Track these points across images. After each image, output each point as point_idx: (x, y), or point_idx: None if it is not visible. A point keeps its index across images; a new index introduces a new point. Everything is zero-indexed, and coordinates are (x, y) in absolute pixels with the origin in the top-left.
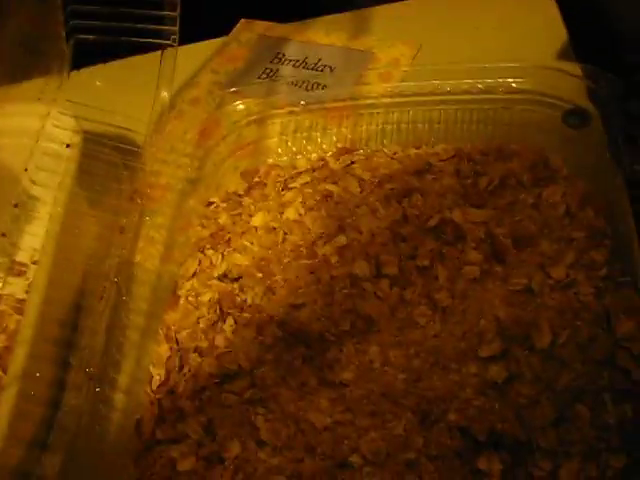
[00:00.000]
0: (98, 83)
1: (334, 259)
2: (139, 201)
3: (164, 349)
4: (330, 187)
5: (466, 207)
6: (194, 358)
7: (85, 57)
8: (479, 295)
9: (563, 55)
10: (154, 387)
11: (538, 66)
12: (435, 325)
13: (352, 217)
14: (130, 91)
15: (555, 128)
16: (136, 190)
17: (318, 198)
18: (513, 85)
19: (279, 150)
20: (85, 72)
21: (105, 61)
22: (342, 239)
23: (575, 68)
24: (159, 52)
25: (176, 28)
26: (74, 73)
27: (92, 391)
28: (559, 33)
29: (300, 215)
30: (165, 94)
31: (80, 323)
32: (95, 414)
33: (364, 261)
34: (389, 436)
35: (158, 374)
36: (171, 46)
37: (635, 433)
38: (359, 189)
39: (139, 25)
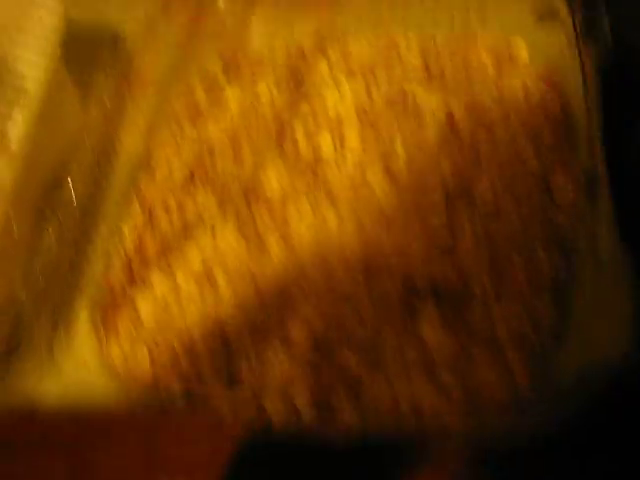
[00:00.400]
0: None
1: (299, 130)
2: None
3: (135, 207)
4: (298, 63)
5: (425, 85)
6: (163, 215)
7: None
8: (429, 161)
9: None
10: (124, 242)
11: None
12: (391, 192)
13: (319, 91)
14: None
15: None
16: (124, 76)
17: (288, 73)
18: None
19: (259, 35)
20: None
21: None
22: (306, 111)
23: None
24: None
25: None
26: None
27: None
28: None
29: (270, 90)
30: None
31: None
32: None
33: (328, 135)
34: (331, 272)
35: (128, 230)
36: None
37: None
38: (328, 67)
39: None
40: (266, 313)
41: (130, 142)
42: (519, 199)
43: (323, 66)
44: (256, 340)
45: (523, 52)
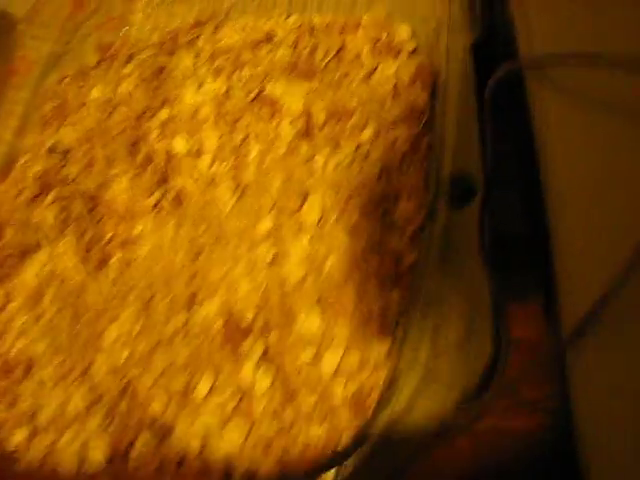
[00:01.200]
0: None
1: (155, 133)
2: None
3: None
4: (164, 60)
5: (291, 79)
6: (9, 231)
7: None
8: (277, 171)
9: None
10: None
11: None
12: (232, 201)
13: (178, 89)
14: None
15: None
16: (6, 61)
17: (152, 71)
18: None
19: (141, 24)
20: None
21: None
22: (165, 113)
23: None
24: None
25: None
26: None
27: None
28: None
29: (133, 87)
30: None
31: None
32: None
33: (183, 137)
34: (150, 311)
35: None
36: None
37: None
38: (193, 62)
39: None
40: (75, 338)
41: None
42: (352, 227)
43: (188, 62)
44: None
45: (406, 42)
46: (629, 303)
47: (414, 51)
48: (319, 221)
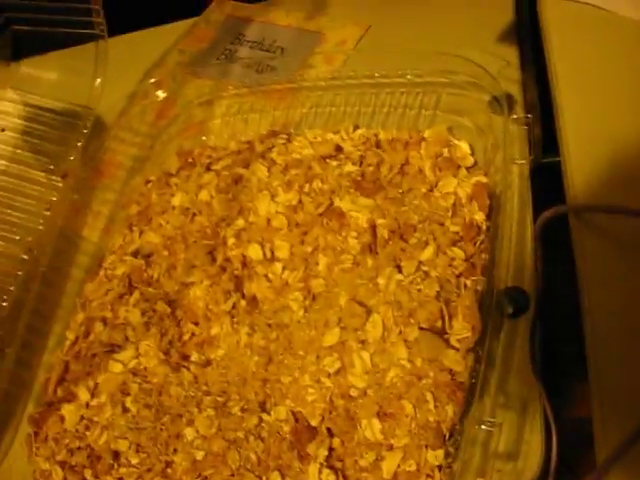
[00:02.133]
0: (38, 71)
1: (231, 241)
2: (92, 177)
3: (79, 317)
4: (241, 171)
5: (357, 195)
6: (98, 326)
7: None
8: (344, 285)
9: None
10: (64, 350)
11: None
12: (301, 311)
13: (254, 201)
14: (69, 78)
15: (479, 115)
16: (93, 162)
17: (229, 182)
18: (445, 74)
19: (219, 132)
20: (25, 62)
21: (44, 51)
22: (241, 222)
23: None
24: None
25: (101, 19)
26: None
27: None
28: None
29: (211, 197)
30: (98, 81)
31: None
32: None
33: (258, 244)
34: (225, 414)
35: (70, 339)
36: (101, 36)
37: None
38: (267, 174)
39: (68, 17)
40: (156, 437)
41: (86, 244)
42: (411, 343)
43: (262, 173)
44: (141, 464)
45: (465, 158)
46: None
47: (473, 166)
48: (381, 337)
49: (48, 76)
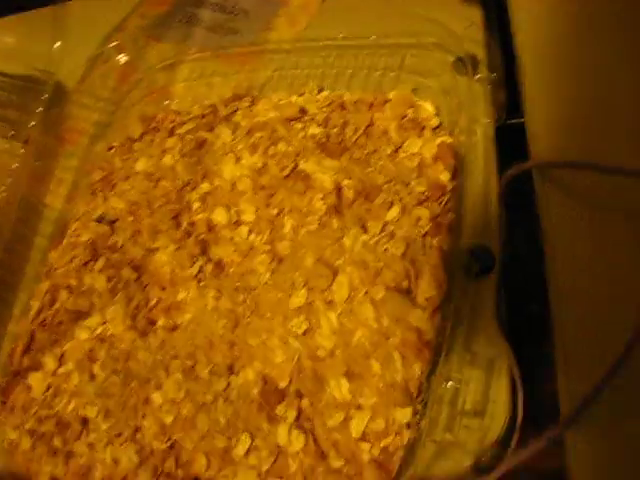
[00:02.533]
0: None
1: (196, 205)
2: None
3: (44, 285)
4: (205, 134)
5: (322, 157)
6: (63, 294)
7: None
8: (309, 247)
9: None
10: (30, 319)
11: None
12: (268, 274)
13: (218, 164)
14: (27, 43)
15: (444, 75)
16: (52, 132)
17: (193, 145)
18: (409, 35)
19: (182, 96)
20: None
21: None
22: (205, 186)
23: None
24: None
25: None
26: None
27: None
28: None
29: (175, 161)
30: (57, 44)
31: None
32: None
33: (223, 208)
34: (193, 377)
35: (35, 308)
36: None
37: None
38: (231, 137)
39: None
40: (125, 403)
41: (49, 212)
42: (378, 303)
43: (226, 137)
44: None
45: (430, 119)
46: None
47: (438, 127)
48: (347, 298)
49: (5, 40)
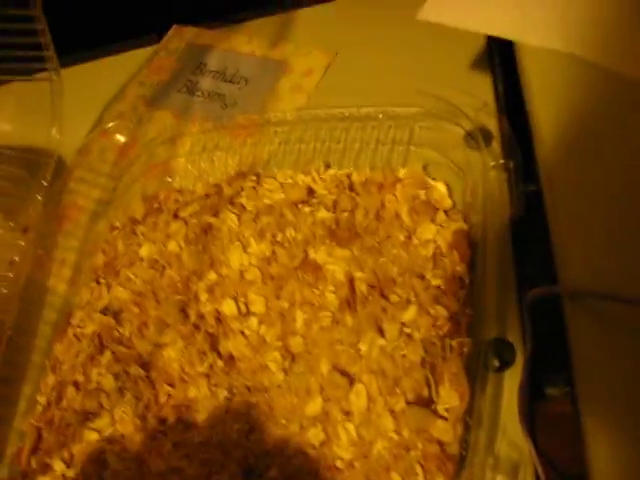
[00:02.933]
0: None
1: (204, 297)
2: (54, 224)
3: (50, 379)
4: (210, 219)
5: (333, 246)
6: (70, 391)
7: None
8: (325, 347)
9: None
10: (36, 417)
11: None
12: (281, 374)
13: (225, 253)
14: (24, 127)
15: (455, 150)
16: (52, 212)
17: (198, 231)
18: (418, 108)
19: (184, 171)
20: None
21: None
22: (213, 276)
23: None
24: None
25: (54, 65)
26: None
27: None
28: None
29: (180, 248)
30: (55, 130)
31: None
32: None
33: (231, 299)
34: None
35: (41, 404)
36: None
37: None
38: (237, 222)
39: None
40: None
41: (52, 297)
42: (397, 414)
43: (232, 222)
44: None
45: (443, 200)
46: None
47: (451, 208)
48: (366, 408)
49: (2, 127)
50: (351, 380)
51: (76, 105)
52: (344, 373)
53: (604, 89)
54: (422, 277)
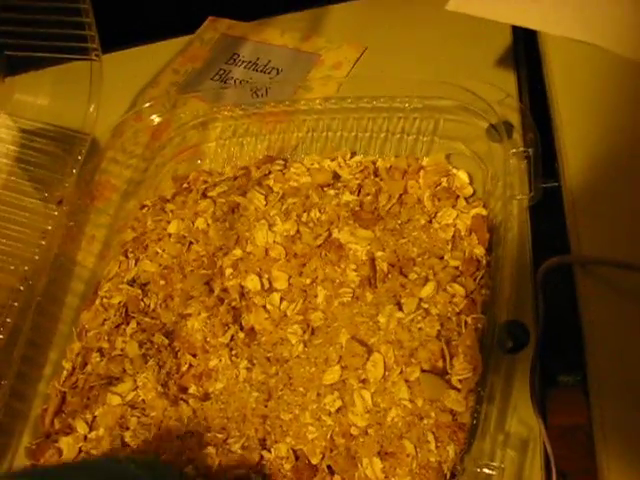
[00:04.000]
0: (31, 96)
1: (229, 271)
2: (87, 200)
3: (76, 346)
4: (238, 199)
5: (356, 227)
6: (95, 357)
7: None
8: (344, 320)
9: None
10: (61, 381)
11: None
12: (300, 346)
13: (251, 230)
14: (63, 103)
15: (478, 142)
16: (85, 189)
17: (225, 210)
18: (443, 100)
19: (214, 155)
20: (18, 86)
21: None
22: (238, 252)
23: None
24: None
25: (96, 45)
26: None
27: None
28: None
29: (207, 225)
30: (93, 107)
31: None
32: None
33: (255, 275)
34: (225, 452)
35: (66, 369)
36: (96, 62)
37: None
38: (264, 202)
39: (63, 43)
40: None
41: (81, 270)
42: (412, 383)
43: (259, 202)
44: None
45: (464, 188)
46: None
47: (471, 196)
48: (382, 377)
49: (42, 101)
50: (369, 350)
51: (112, 89)
52: (362, 343)
53: (627, 81)
54: (441, 258)
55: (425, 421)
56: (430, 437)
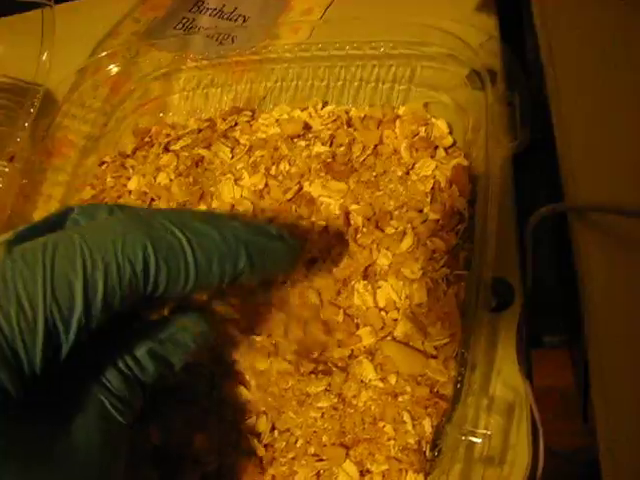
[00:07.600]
0: None
1: None
2: (42, 157)
3: None
4: (202, 152)
5: (328, 179)
6: None
7: None
8: (309, 282)
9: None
10: None
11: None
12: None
13: (216, 185)
14: (13, 52)
15: (458, 89)
16: (40, 145)
17: (189, 163)
18: (421, 45)
19: (177, 107)
20: None
21: None
22: (203, 208)
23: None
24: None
25: None
26: None
27: None
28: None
29: (170, 180)
30: (45, 55)
31: None
32: None
33: None
34: None
35: None
36: (47, 5)
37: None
38: (230, 155)
39: None
40: None
41: None
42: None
43: (225, 155)
44: None
45: (444, 138)
46: None
47: (451, 146)
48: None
49: None
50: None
51: (69, 40)
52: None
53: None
54: (420, 211)
55: (400, 398)
56: (406, 417)
